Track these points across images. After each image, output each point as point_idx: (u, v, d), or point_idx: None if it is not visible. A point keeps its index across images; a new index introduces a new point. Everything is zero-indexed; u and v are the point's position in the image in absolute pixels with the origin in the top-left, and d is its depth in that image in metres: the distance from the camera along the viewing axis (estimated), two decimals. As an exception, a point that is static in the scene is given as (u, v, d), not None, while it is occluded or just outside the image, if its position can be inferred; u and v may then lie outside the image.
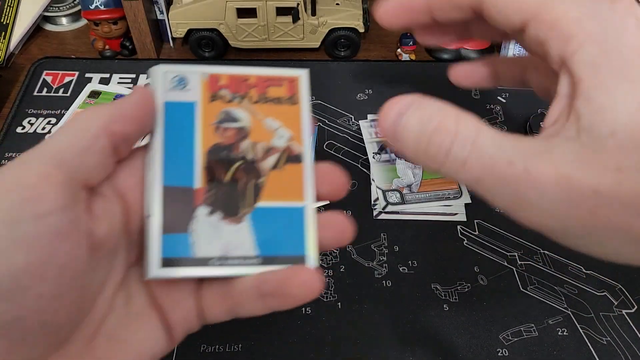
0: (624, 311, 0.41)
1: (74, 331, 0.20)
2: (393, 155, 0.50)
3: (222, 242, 0.23)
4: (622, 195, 0.16)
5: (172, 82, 0.23)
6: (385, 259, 0.43)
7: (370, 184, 0.48)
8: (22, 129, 0.52)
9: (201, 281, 0.24)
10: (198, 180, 0.23)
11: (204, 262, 0.22)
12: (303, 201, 0.24)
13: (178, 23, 0.58)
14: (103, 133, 0.21)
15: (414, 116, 0.20)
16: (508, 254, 0.44)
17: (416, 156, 0.20)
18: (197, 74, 0.24)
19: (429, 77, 0.57)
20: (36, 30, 0.63)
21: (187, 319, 0.23)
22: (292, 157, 0.24)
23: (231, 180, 0.23)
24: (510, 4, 0.20)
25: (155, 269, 0.22)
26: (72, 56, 0.60)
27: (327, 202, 0.25)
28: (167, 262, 0.22)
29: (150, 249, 0.22)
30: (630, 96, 0.17)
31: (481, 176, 0.19)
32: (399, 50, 0.60)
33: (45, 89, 0.56)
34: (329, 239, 0.24)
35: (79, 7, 0.63)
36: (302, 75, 0.25)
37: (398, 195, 0.47)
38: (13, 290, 0.17)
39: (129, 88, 0.55)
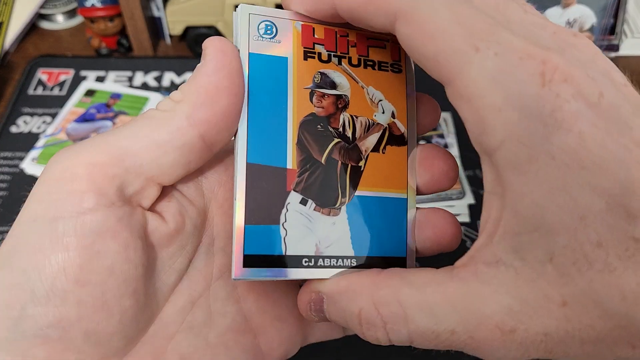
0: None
1: (132, 344, 0.17)
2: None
3: (315, 238, 0.19)
4: (572, 330, 0.14)
5: (259, 29, 0.19)
6: (386, 260, 0.43)
7: (371, 183, 0.47)
8: (17, 129, 0.51)
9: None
10: (290, 159, 0.19)
11: (295, 262, 0.18)
12: (405, 192, 0.20)
13: (175, 20, 0.57)
14: (188, 124, 0.17)
15: (331, 309, 0.18)
16: (511, 255, 0.43)
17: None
18: (289, 22, 0.19)
19: (427, 75, 0.56)
20: (32, 28, 0.62)
21: (286, 345, 0.20)
22: (395, 138, 0.20)
23: (327, 161, 0.19)
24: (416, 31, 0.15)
25: (237, 269, 0.18)
26: (68, 54, 0.59)
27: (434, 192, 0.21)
28: (251, 261, 0.18)
29: (233, 244, 0.18)
30: (567, 211, 0.14)
31: (436, 346, 0.16)
32: (399, 47, 0.59)
33: (40, 88, 0.55)
34: (428, 241, 0.20)
35: (75, 5, 0.62)
36: None
37: (399, 195, 0.46)
38: (49, 293, 0.15)
39: (127, 86, 0.55)
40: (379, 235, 0.20)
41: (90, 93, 0.54)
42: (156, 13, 0.58)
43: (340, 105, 0.20)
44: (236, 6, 0.19)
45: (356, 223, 0.20)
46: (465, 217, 0.45)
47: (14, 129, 0.51)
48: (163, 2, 0.57)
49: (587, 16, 0.52)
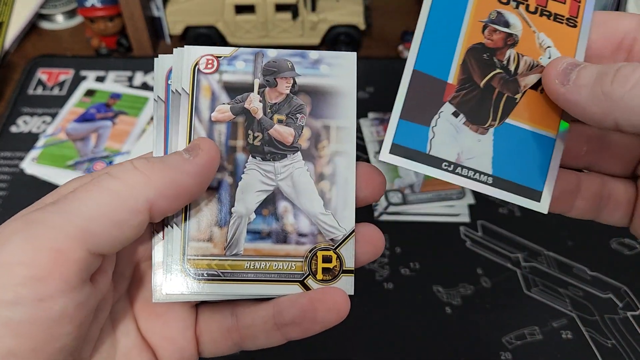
0: (628, 313, 0.40)
1: None
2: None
3: (458, 147, 0.21)
4: None
5: None
6: (386, 260, 0.43)
7: (371, 184, 0.47)
8: (17, 128, 0.51)
9: (200, 317, 0.22)
10: (452, 75, 0.21)
11: (436, 162, 0.21)
12: (555, 132, 0.22)
13: (175, 20, 0.57)
14: (145, 209, 0.18)
15: (589, 68, 0.19)
16: (512, 255, 0.43)
17: (592, 90, 0.18)
18: None
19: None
20: (32, 28, 0.62)
21: (182, 356, 0.22)
22: None
23: (485, 86, 0.21)
24: None
25: (384, 154, 0.20)
26: (68, 54, 0.59)
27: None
28: (397, 150, 0.20)
29: (387, 133, 0.20)
30: None
31: None
32: (400, 47, 0.59)
33: (40, 88, 0.55)
34: (366, 254, 0.22)
35: (74, 5, 0.62)
36: None
37: (400, 195, 0.46)
38: None
39: (126, 86, 0.55)
40: (521, 164, 0.21)
41: (90, 93, 0.53)
42: (156, 13, 0.58)
43: (509, 42, 0.22)
44: None
45: (501, 146, 0.21)
46: (465, 217, 0.45)
47: (13, 129, 0.51)
48: (163, 2, 0.57)
49: (588, 16, 0.52)
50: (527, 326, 0.39)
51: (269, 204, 0.22)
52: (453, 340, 0.38)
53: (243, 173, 0.22)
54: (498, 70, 0.21)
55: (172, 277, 0.21)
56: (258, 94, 0.23)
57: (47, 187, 0.47)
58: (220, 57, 0.23)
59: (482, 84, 0.21)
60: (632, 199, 0.24)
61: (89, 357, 0.20)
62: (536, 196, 0.21)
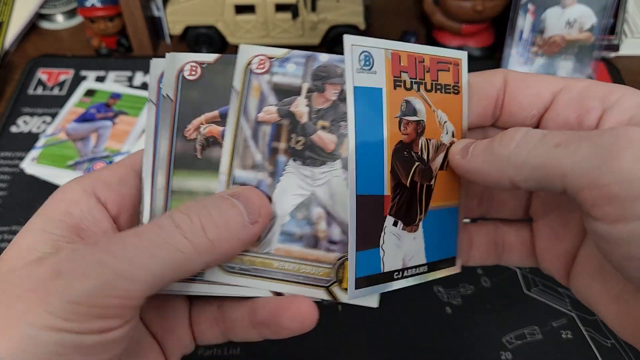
0: (629, 313, 0.40)
1: None
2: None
3: (402, 253, 0.22)
4: None
5: (360, 60, 0.21)
6: (386, 260, 0.43)
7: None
8: (17, 128, 0.51)
9: (192, 307, 0.24)
10: (386, 186, 0.21)
11: (389, 277, 0.21)
12: (457, 201, 0.23)
13: (175, 20, 0.57)
14: (202, 268, 0.20)
15: (482, 141, 0.21)
16: (511, 255, 0.43)
17: (485, 155, 0.20)
18: (382, 51, 0.21)
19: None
20: (32, 28, 0.62)
21: (182, 344, 0.23)
22: None
23: (410, 184, 0.22)
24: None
25: (351, 292, 0.20)
26: (68, 54, 0.59)
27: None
28: (361, 283, 0.21)
29: (348, 269, 0.20)
30: None
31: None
32: (399, 47, 0.59)
33: (40, 88, 0.55)
34: (292, 328, 0.22)
35: (75, 5, 0.62)
36: (462, 59, 0.23)
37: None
38: None
39: (126, 86, 0.55)
40: (440, 241, 0.23)
41: (90, 93, 0.53)
42: (156, 13, 0.58)
43: (419, 131, 0.22)
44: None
45: (428, 234, 0.22)
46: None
47: (13, 129, 0.51)
48: (163, 2, 0.57)
49: (587, 16, 0.52)
50: (527, 326, 0.39)
51: (304, 208, 0.22)
52: (453, 340, 0.38)
53: (282, 175, 0.22)
54: (417, 164, 0.22)
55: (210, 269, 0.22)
56: (305, 98, 0.22)
57: (47, 187, 0.47)
58: (273, 58, 0.23)
59: (407, 183, 0.21)
60: (526, 241, 0.25)
61: None
62: (452, 262, 0.23)
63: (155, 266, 0.18)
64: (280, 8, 0.55)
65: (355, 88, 0.20)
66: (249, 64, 0.23)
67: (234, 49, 0.25)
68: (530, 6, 0.53)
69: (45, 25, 0.63)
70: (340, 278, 0.22)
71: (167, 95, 0.23)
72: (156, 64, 0.23)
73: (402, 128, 0.21)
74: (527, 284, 0.42)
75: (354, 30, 0.57)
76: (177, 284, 0.22)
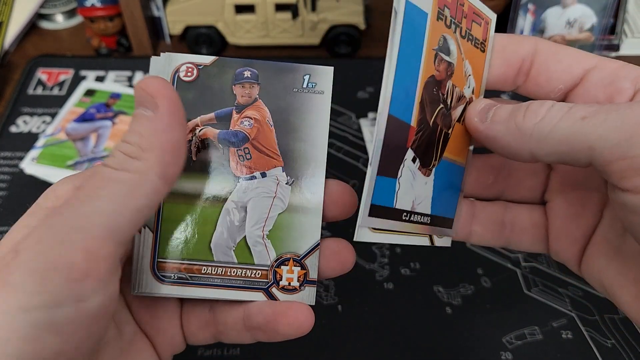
0: (629, 313, 0.40)
1: None
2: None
3: (413, 195, 0.21)
4: None
5: None
6: (386, 260, 0.43)
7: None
8: (17, 128, 0.51)
9: (183, 308, 0.24)
10: (414, 117, 0.19)
11: (399, 214, 0.20)
12: (465, 160, 0.22)
13: (175, 20, 0.57)
14: (162, 183, 0.18)
15: (504, 107, 0.20)
16: (512, 255, 0.43)
17: (507, 125, 0.20)
18: None
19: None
20: (31, 28, 0.62)
21: (173, 343, 0.23)
22: None
23: (433, 125, 0.21)
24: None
25: (363, 218, 0.19)
26: (68, 54, 0.59)
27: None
28: (374, 211, 0.19)
29: (364, 193, 0.19)
30: None
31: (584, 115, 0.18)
32: (399, 47, 0.59)
33: (40, 88, 0.55)
34: (331, 269, 0.23)
35: (74, 4, 0.62)
36: (492, 19, 0.23)
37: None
38: None
39: (126, 86, 0.55)
40: (444, 197, 0.22)
41: (89, 93, 0.53)
42: (156, 13, 0.58)
43: (449, 73, 0.21)
44: None
45: (437, 185, 0.21)
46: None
47: (13, 129, 0.51)
48: (163, 2, 0.57)
49: (587, 16, 0.52)
50: (527, 326, 0.39)
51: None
52: (453, 340, 0.38)
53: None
54: (441, 106, 0.21)
55: (143, 277, 0.22)
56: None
57: (47, 187, 0.46)
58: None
59: (431, 123, 0.20)
60: (538, 224, 0.24)
61: (105, 344, 0.21)
62: (449, 223, 0.22)
63: (102, 204, 0.17)
64: (280, 8, 0.55)
65: (407, 2, 0.19)
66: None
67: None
68: (530, 6, 0.53)
69: (45, 25, 0.63)
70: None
71: None
72: (156, 62, 0.23)
73: (436, 63, 0.20)
74: (527, 284, 0.42)
75: (354, 29, 0.57)
76: (165, 287, 0.22)
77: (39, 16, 0.63)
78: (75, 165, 0.47)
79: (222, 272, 0.22)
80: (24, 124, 0.51)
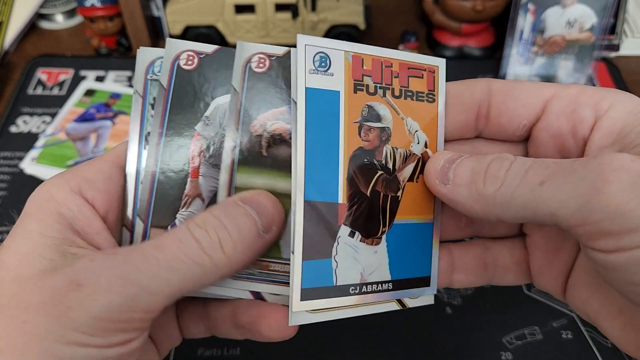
0: (629, 313, 0.40)
1: None
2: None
3: (360, 267, 0.20)
4: None
5: (314, 61, 0.19)
6: (386, 260, 0.43)
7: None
8: (17, 128, 0.51)
9: (179, 303, 0.24)
10: (341, 194, 0.19)
11: (344, 290, 0.20)
12: (432, 216, 0.22)
13: (175, 20, 0.57)
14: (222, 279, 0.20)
15: (463, 164, 0.20)
16: (511, 255, 0.43)
17: (469, 191, 0.19)
18: (341, 53, 0.20)
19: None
20: (31, 28, 0.62)
21: (170, 338, 0.24)
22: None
23: (371, 194, 0.20)
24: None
25: (296, 304, 0.19)
26: (67, 54, 0.59)
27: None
28: (307, 294, 0.19)
29: (292, 280, 0.19)
30: None
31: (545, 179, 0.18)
32: (400, 47, 0.59)
33: (40, 88, 0.55)
34: (270, 337, 0.22)
35: (74, 4, 0.62)
36: (440, 66, 0.22)
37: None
38: None
39: (126, 86, 0.55)
40: (410, 258, 0.21)
41: (89, 93, 0.53)
42: (156, 13, 0.58)
43: (383, 138, 0.20)
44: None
45: (393, 249, 0.21)
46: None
47: (13, 129, 0.51)
48: (163, 2, 0.57)
49: (588, 16, 0.52)
50: (528, 326, 0.39)
51: None
52: (453, 341, 0.38)
53: None
54: (380, 173, 0.20)
55: None
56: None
57: (46, 187, 0.46)
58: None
59: (368, 193, 0.20)
60: (520, 260, 0.24)
61: None
62: (426, 282, 0.21)
63: (176, 280, 0.18)
64: (280, 8, 0.55)
65: (307, 89, 0.19)
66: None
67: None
68: (530, 6, 0.53)
69: (44, 25, 0.63)
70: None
71: (158, 81, 0.22)
72: (143, 54, 0.22)
73: (362, 134, 0.20)
74: (528, 284, 0.42)
75: (354, 29, 0.57)
76: (234, 282, 0.22)
77: (38, 16, 0.63)
78: (75, 165, 0.47)
79: (265, 266, 0.22)
80: (23, 124, 0.51)
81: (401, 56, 0.21)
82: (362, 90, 0.20)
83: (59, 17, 0.63)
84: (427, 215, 0.22)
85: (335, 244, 0.19)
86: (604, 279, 0.18)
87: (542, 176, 0.18)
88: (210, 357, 0.37)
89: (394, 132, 0.20)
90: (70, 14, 0.63)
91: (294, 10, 0.55)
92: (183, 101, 0.22)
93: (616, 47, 0.58)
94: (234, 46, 0.22)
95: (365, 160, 0.20)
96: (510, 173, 0.18)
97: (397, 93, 0.21)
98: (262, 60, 0.21)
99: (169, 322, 0.24)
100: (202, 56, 0.22)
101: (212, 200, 0.22)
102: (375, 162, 0.20)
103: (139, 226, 0.22)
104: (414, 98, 0.21)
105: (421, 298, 0.23)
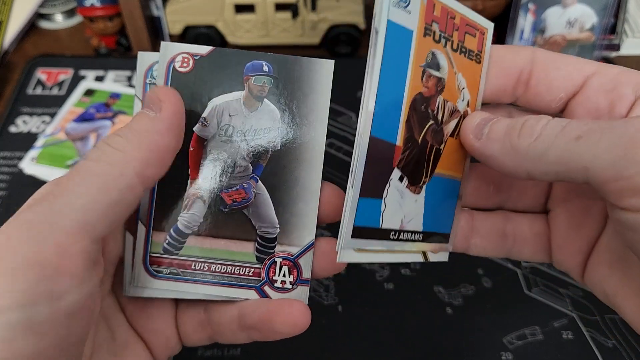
0: (630, 313, 0.40)
1: None
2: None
3: (402, 213, 0.20)
4: None
5: None
6: (386, 260, 0.43)
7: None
8: (16, 128, 0.51)
9: (178, 309, 0.24)
10: (399, 136, 0.19)
11: (386, 234, 0.20)
12: (461, 175, 0.22)
13: (175, 19, 0.57)
14: (136, 182, 0.18)
15: (500, 122, 0.20)
16: (512, 255, 0.43)
17: (502, 145, 0.19)
18: None
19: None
20: (31, 27, 0.62)
21: (168, 345, 0.23)
22: None
23: (422, 142, 0.20)
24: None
25: (345, 240, 0.19)
26: (67, 54, 0.59)
27: None
28: (357, 232, 0.19)
29: (345, 216, 0.18)
30: None
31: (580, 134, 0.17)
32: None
33: (39, 88, 0.55)
34: (323, 269, 0.23)
35: (74, 4, 0.62)
36: (489, 28, 0.22)
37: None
38: None
39: (126, 85, 0.55)
40: (438, 213, 0.21)
41: (89, 92, 0.53)
42: (156, 12, 0.58)
43: (439, 88, 0.20)
44: None
45: (428, 201, 0.21)
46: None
47: (12, 129, 0.51)
48: (162, 2, 0.57)
49: (588, 16, 0.52)
50: (528, 326, 0.39)
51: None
52: (454, 341, 0.38)
53: None
54: (430, 122, 0.20)
55: (135, 272, 0.22)
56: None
57: (46, 187, 0.46)
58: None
59: (419, 140, 0.20)
60: (540, 234, 0.24)
61: (97, 347, 0.21)
62: (446, 238, 0.22)
63: (77, 198, 0.17)
64: (280, 7, 0.55)
65: (389, 22, 0.18)
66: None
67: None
68: (530, 6, 0.52)
69: (44, 24, 0.63)
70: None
71: (153, 85, 0.22)
72: (142, 58, 0.22)
73: (424, 80, 0.20)
74: (528, 284, 0.42)
75: (354, 29, 0.57)
76: (157, 282, 0.22)
77: (38, 16, 0.63)
78: (74, 165, 0.47)
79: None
80: (23, 124, 0.51)
81: (463, 10, 0.21)
82: (429, 35, 0.20)
83: (59, 17, 0.63)
84: (458, 173, 0.22)
85: (387, 185, 0.19)
86: (629, 244, 0.18)
87: (579, 131, 0.17)
88: (210, 357, 0.37)
89: (448, 85, 0.20)
90: (69, 13, 0.63)
91: (294, 10, 0.55)
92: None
93: (616, 47, 0.58)
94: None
95: (422, 106, 0.20)
96: (547, 128, 0.18)
97: (455, 47, 0.21)
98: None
99: (165, 327, 0.23)
100: (197, 58, 0.22)
101: (213, 200, 0.22)
102: (429, 110, 0.20)
103: (141, 230, 0.22)
104: (467, 55, 0.21)
105: (440, 254, 0.23)
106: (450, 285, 0.41)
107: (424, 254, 0.22)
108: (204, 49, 0.22)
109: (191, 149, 0.22)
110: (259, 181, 0.22)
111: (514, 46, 0.22)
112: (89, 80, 0.55)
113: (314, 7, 0.56)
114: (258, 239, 0.23)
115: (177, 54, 0.22)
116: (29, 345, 0.15)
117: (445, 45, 0.20)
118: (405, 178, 0.20)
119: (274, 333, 0.21)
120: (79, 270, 0.17)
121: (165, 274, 0.22)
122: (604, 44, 0.53)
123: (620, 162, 0.16)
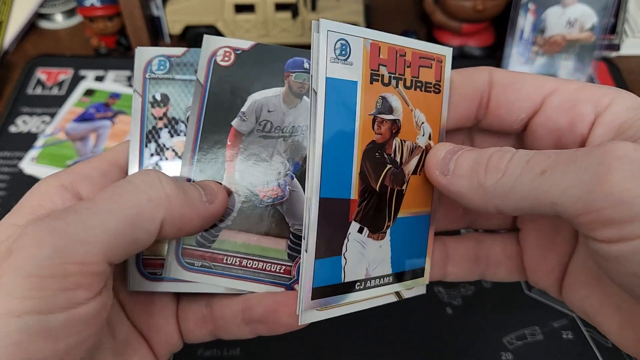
0: (630, 314, 0.40)
1: None
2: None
3: (366, 262, 0.20)
4: None
5: (335, 49, 0.18)
6: (386, 260, 0.43)
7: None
8: (16, 128, 0.51)
9: (179, 305, 0.24)
10: (353, 190, 0.19)
11: (350, 287, 0.20)
12: (430, 208, 0.22)
13: (175, 19, 0.57)
14: (156, 231, 0.19)
15: (465, 156, 0.20)
16: (512, 255, 0.43)
17: (470, 182, 0.19)
18: (360, 40, 0.19)
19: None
20: (31, 27, 0.62)
21: (170, 342, 0.23)
22: None
23: (380, 189, 0.20)
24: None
25: (307, 302, 0.19)
26: (67, 54, 0.59)
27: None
28: (318, 293, 0.19)
29: (302, 280, 0.18)
30: None
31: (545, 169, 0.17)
32: (400, 47, 0.59)
33: (39, 88, 0.55)
34: (290, 325, 0.22)
35: (74, 4, 0.62)
36: (447, 55, 0.21)
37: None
38: None
39: (126, 85, 0.55)
40: (408, 251, 0.21)
41: (89, 92, 0.53)
42: (155, 12, 0.58)
43: (394, 131, 0.20)
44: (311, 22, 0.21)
45: (395, 243, 0.21)
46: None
47: (12, 129, 0.51)
48: (162, 2, 0.57)
49: (588, 15, 0.52)
50: (528, 326, 0.39)
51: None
52: (454, 341, 0.38)
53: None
54: (388, 167, 0.20)
55: (166, 264, 0.22)
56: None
57: (46, 187, 0.46)
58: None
59: (377, 187, 0.20)
60: (513, 255, 0.24)
61: (99, 346, 0.21)
62: (420, 273, 0.21)
63: (110, 223, 0.17)
64: (280, 7, 0.55)
65: (327, 80, 0.18)
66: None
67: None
68: (530, 5, 0.52)
69: (44, 24, 0.63)
70: None
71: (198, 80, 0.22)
72: (141, 53, 0.22)
73: (375, 127, 0.19)
74: (528, 285, 0.42)
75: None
76: (189, 274, 0.22)
77: (38, 16, 0.63)
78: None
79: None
80: (23, 124, 0.51)
81: (414, 45, 0.21)
82: (377, 80, 0.19)
83: (59, 17, 0.63)
84: (426, 207, 0.22)
85: (346, 240, 0.19)
86: (605, 271, 0.18)
87: (543, 166, 0.17)
88: (210, 357, 0.37)
89: (404, 125, 0.20)
90: (69, 13, 0.63)
91: (293, 9, 0.55)
92: (220, 97, 0.22)
93: (617, 47, 0.58)
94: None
95: (377, 154, 0.19)
96: (512, 164, 0.18)
97: (408, 84, 0.20)
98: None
99: (167, 324, 0.23)
100: (238, 52, 0.22)
101: (248, 195, 0.22)
102: (386, 155, 0.20)
103: None
104: (423, 89, 0.21)
105: (415, 289, 0.23)
106: (450, 286, 0.41)
107: (397, 293, 0.22)
108: (246, 44, 0.22)
109: (228, 143, 0.22)
110: (295, 178, 0.22)
111: (469, 70, 0.22)
112: (89, 80, 0.55)
113: (314, 7, 0.56)
114: (291, 236, 0.22)
115: (219, 48, 0.22)
116: (43, 350, 0.16)
117: (397, 86, 0.20)
118: (365, 229, 0.20)
119: (279, 325, 0.21)
120: (96, 287, 0.17)
121: (197, 266, 0.22)
122: (604, 44, 0.53)
123: (587, 197, 0.16)
